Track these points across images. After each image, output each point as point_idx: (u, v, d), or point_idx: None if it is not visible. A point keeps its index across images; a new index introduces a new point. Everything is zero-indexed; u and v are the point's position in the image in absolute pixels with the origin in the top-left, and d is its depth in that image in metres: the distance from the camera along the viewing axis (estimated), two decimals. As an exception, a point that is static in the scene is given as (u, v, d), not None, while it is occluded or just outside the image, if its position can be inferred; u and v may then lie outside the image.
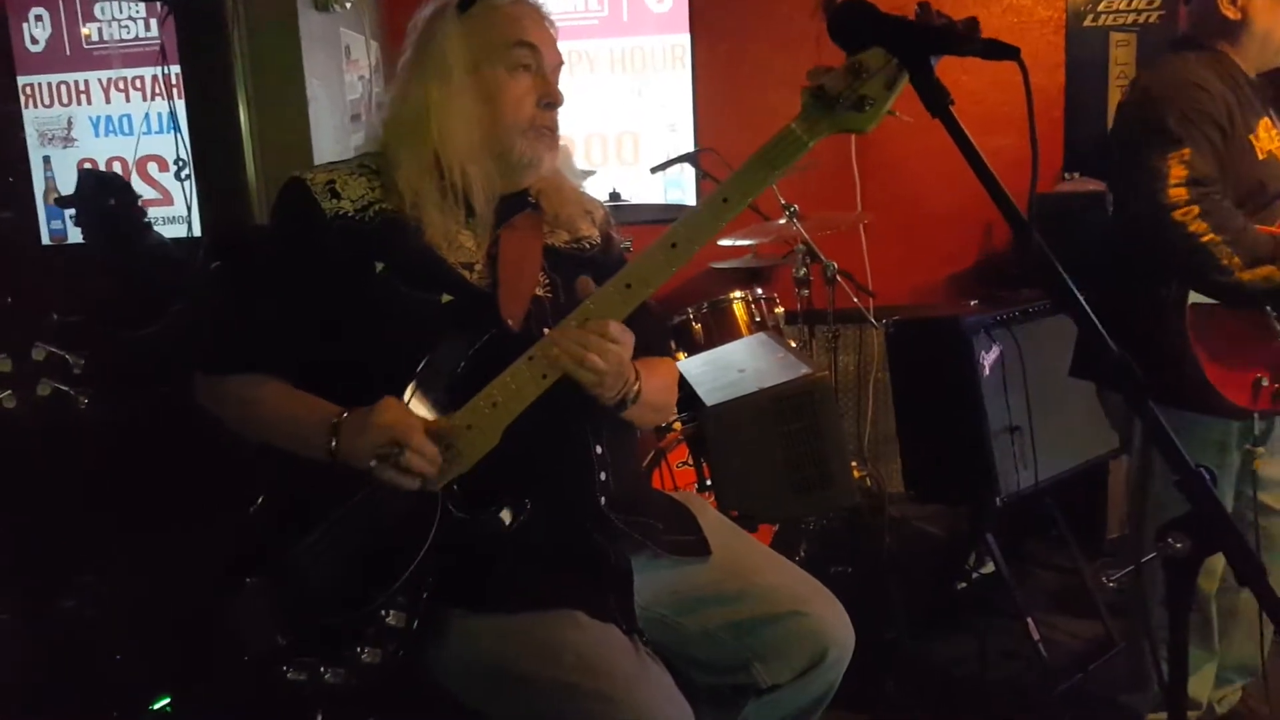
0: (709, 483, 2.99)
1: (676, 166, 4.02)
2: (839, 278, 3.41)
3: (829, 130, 1.38)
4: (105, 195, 3.02)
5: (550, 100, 1.69)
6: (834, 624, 1.69)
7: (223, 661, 1.68)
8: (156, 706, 2.25)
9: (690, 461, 3.17)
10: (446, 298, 1.62)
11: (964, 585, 3.26)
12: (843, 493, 2.51)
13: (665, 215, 3.98)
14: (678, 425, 3.12)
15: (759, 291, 3.54)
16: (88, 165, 4.55)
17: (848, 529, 3.26)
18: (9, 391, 1.75)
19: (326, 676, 1.56)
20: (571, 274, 1.69)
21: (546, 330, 1.60)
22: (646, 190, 4.48)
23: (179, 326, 2.37)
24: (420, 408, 1.56)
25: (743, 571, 1.73)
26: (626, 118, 4.60)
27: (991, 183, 1.09)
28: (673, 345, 3.33)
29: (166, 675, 2.27)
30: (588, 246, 1.80)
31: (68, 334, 1.79)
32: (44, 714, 2.12)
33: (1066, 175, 4.25)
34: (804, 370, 2.54)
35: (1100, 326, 1.08)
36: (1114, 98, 4.32)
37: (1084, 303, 1.08)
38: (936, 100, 1.14)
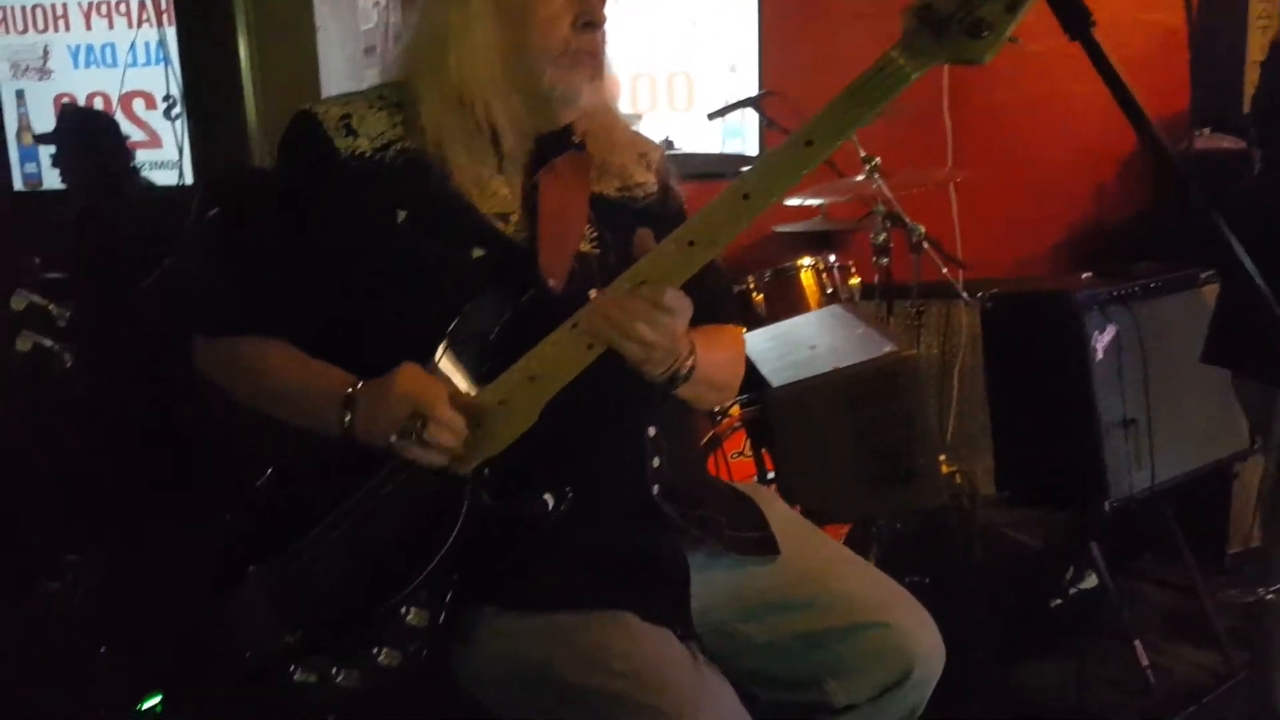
0: (770, 475, 2.99)
1: (737, 112, 3.99)
2: (926, 245, 3.38)
3: (937, 59, 1.36)
4: (91, 133, 3.05)
5: (589, 19, 1.65)
6: (921, 638, 1.68)
7: (221, 658, 1.70)
8: (146, 706, 2.29)
9: (749, 451, 3.17)
10: (478, 252, 1.62)
11: (1060, 602, 3.24)
12: (929, 491, 2.49)
13: (723, 168, 3.97)
14: (735, 409, 3.12)
15: (831, 259, 3.52)
16: (66, 101, 4.59)
17: (926, 534, 3.23)
18: None
19: (339, 679, 1.58)
20: (622, 227, 1.68)
21: (592, 293, 1.59)
22: (702, 139, 4.45)
23: (171, 282, 2.39)
24: (447, 381, 1.56)
25: (816, 575, 1.73)
26: (679, 55, 4.56)
27: (1143, 125, 1.06)
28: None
29: (158, 671, 2.30)
30: (641, 196, 1.79)
31: (52, 285, 1.80)
32: (21, 710, 2.16)
33: (1197, 132, 4.17)
34: (887, 347, 2.52)
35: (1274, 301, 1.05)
36: (1255, 42, 4.22)
37: (1256, 274, 1.05)
38: (1077, 20, 1.11)
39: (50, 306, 1.75)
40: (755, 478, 3.12)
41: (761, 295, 3.43)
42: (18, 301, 1.76)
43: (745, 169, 4.25)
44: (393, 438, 1.51)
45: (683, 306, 1.52)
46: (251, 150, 3.51)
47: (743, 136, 4.56)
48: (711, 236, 1.48)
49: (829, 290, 3.45)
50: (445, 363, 1.57)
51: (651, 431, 1.70)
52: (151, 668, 2.32)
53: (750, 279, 3.44)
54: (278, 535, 1.65)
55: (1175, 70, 4.14)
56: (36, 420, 2.26)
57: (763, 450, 3.08)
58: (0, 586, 2.13)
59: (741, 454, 3.22)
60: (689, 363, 1.60)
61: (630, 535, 1.65)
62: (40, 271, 2.01)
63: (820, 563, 1.76)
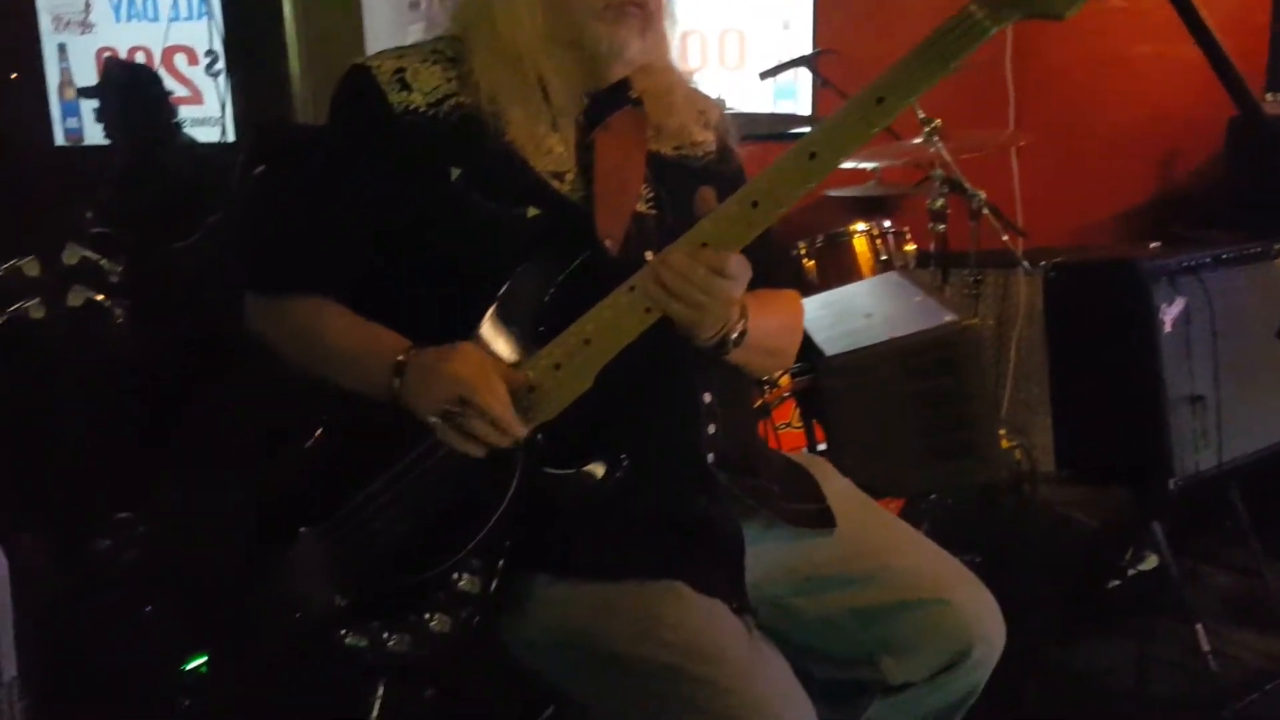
0: (821, 447, 2.98)
1: (790, 71, 3.95)
2: (985, 211, 3.34)
3: (1016, 13, 1.35)
4: (135, 86, 3.07)
5: None
6: (981, 617, 1.68)
7: (270, 620, 1.73)
8: (190, 666, 2.33)
9: (798, 421, 3.14)
10: (533, 212, 1.62)
11: (1118, 583, 3.21)
12: (987, 466, 2.50)
13: (775, 129, 3.93)
14: (785, 378, 3.06)
15: (885, 224, 3.48)
16: (108, 55, 4.62)
17: (980, 510, 3.22)
18: (36, 299, 1.77)
19: (390, 644, 1.60)
20: (680, 187, 1.68)
21: (649, 254, 1.59)
22: (752, 99, 4.42)
23: (217, 240, 2.40)
24: (497, 342, 1.57)
25: (873, 549, 1.73)
26: (730, 11, 4.52)
27: (1236, 85, 1.04)
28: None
29: (204, 631, 2.34)
30: (700, 155, 1.79)
31: (103, 239, 1.82)
32: (68, 667, 2.20)
33: (1269, 95, 4.09)
34: (947, 316, 2.51)
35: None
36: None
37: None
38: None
39: (102, 261, 1.75)
40: (804, 449, 3.08)
41: (813, 261, 3.41)
42: (70, 255, 1.76)
43: (808, 129, 4.24)
44: (433, 418, 1.52)
45: (743, 272, 1.51)
46: (294, 106, 3.52)
47: (795, 97, 4.51)
48: (776, 197, 1.46)
49: (883, 257, 3.42)
50: (492, 326, 1.57)
51: (707, 398, 1.70)
52: (198, 627, 2.35)
53: (801, 244, 3.42)
54: (329, 496, 1.67)
55: (1252, 35, 4.06)
56: (87, 376, 2.29)
57: (813, 421, 3.05)
58: (50, 544, 2.16)
59: (789, 425, 3.17)
60: (739, 327, 1.59)
61: (685, 504, 1.65)
62: (91, 226, 2.02)
63: (878, 537, 1.76)
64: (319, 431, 1.73)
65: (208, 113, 4.21)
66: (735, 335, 1.59)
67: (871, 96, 1.43)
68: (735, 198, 1.48)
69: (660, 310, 1.51)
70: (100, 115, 3.39)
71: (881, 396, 2.55)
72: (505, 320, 1.58)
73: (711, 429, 1.70)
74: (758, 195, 1.47)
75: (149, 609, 2.28)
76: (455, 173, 1.61)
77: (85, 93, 3.44)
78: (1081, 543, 3.53)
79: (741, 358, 1.65)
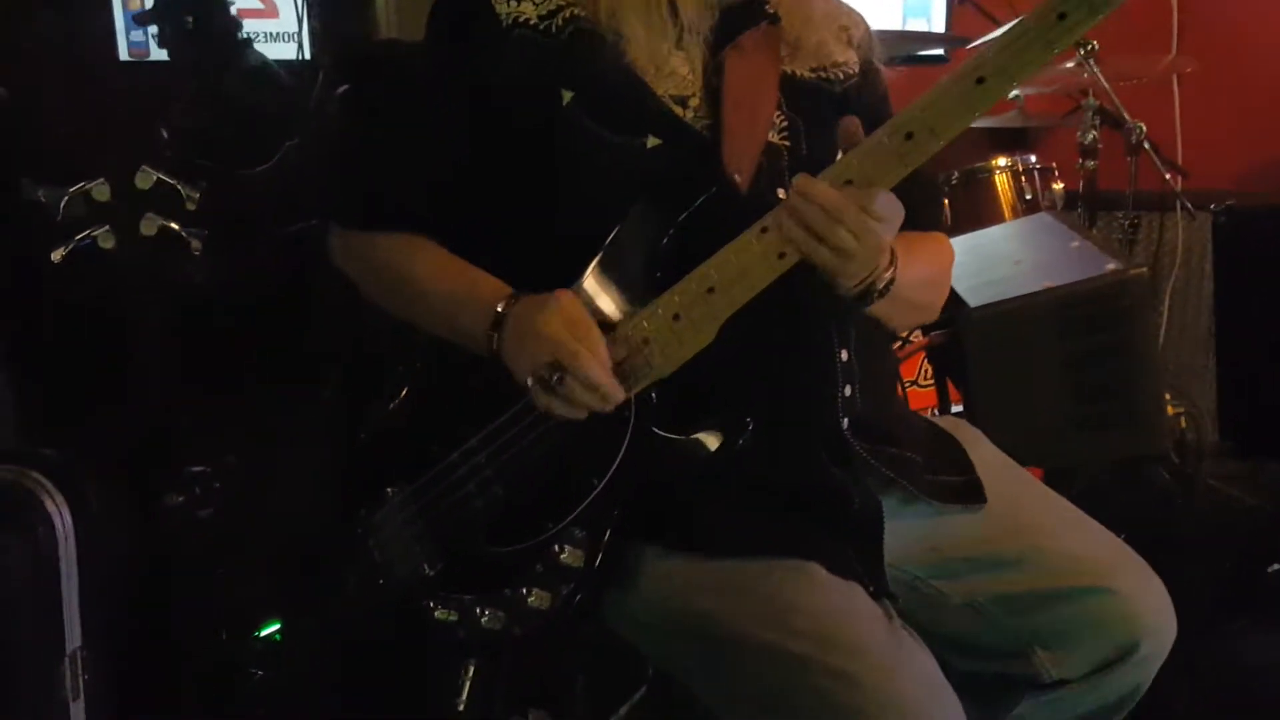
0: (956, 409, 2.93)
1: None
2: (1145, 147, 3.28)
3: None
4: (189, 10, 3.06)
5: None
6: (1151, 607, 1.64)
7: (352, 588, 1.73)
8: (264, 633, 2.35)
9: (927, 378, 3.11)
10: (653, 141, 1.59)
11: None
12: (1151, 436, 2.43)
13: (904, 50, 3.84)
14: (916, 331, 3.03)
15: (1031, 159, 3.42)
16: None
17: (1128, 484, 3.15)
18: (106, 228, 1.75)
19: (484, 620, 1.59)
20: (817, 114, 1.66)
21: (782, 192, 1.57)
22: (878, 16, 4.28)
23: (294, 166, 2.39)
24: (606, 289, 1.55)
25: (1028, 528, 1.69)
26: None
27: None
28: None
29: (281, 596, 2.35)
30: (840, 78, 1.74)
31: (177, 163, 1.79)
32: (136, 629, 2.23)
33: None
34: (1110, 264, 2.43)
35: None
36: None
37: None
38: None
39: (179, 186, 1.73)
40: (933, 410, 3.06)
41: (947, 201, 3.36)
42: (143, 179, 1.74)
43: (939, 50, 4.13)
44: (529, 380, 1.50)
45: (895, 214, 1.47)
46: (377, 20, 3.48)
47: (928, 16, 4.38)
48: (934, 128, 1.40)
49: (1027, 196, 3.37)
50: (600, 271, 1.55)
51: (844, 356, 1.66)
52: (273, 592, 2.37)
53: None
54: (420, 455, 1.66)
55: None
56: (161, 313, 2.29)
57: (946, 380, 3.01)
58: (118, 499, 2.18)
59: (915, 383, 3.15)
60: (887, 275, 1.55)
61: (817, 474, 1.62)
62: (167, 147, 2.01)
63: (1034, 514, 1.71)
64: (408, 387, 1.73)
65: (282, 27, 4.20)
66: (882, 284, 1.55)
67: (1052, 10, 1.34)
68: (886, 128, 1.43)
69: (798, 255, 1.47)
70: (161, 41, 3.38)
71: (1031, 354, 2.48)
72: (617, 265, 1.55)
73: (847, 391, 1.66)
74: (913, 126, 1.41)
75: (221, 571, 2.29)
76: (567, 96, 1.59)
77: (141, 20, 3.43)
78: (1241, 523, 3.45)
79: (884, 310, 1.62)
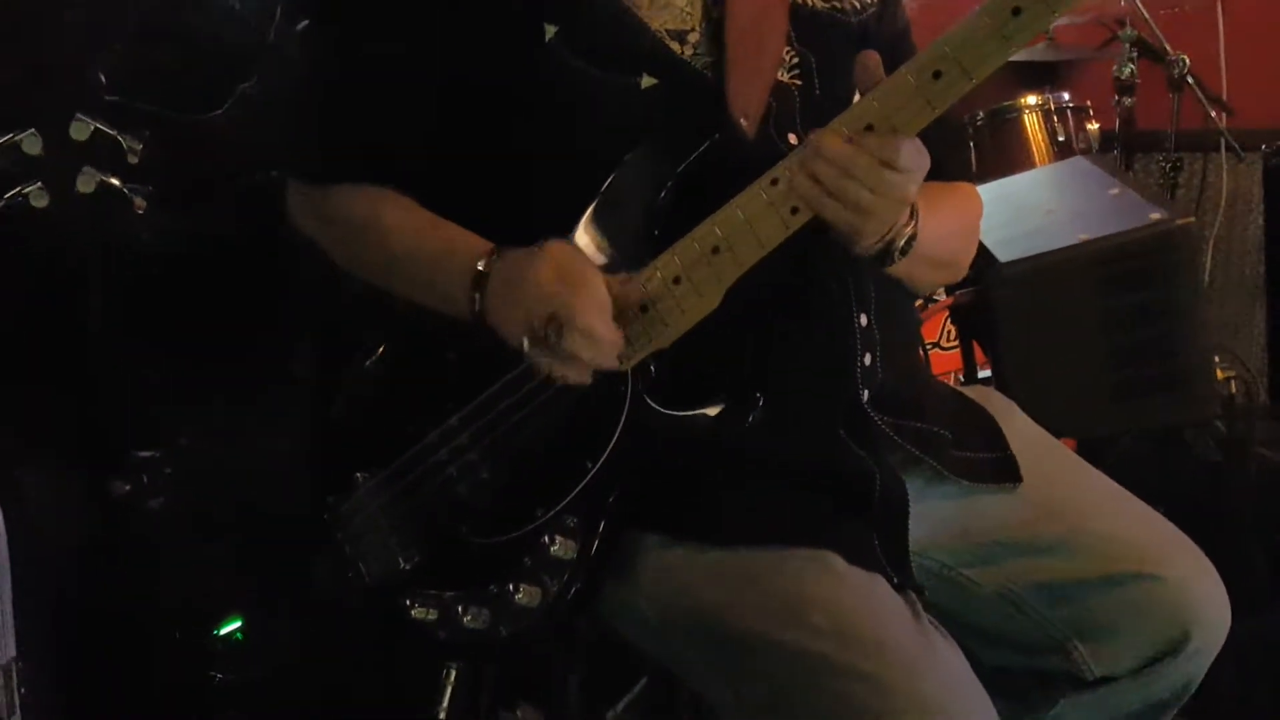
0: (984, 375, 2.93)
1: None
2: (1188, 81, 3.33)
3: None
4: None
5: None
6: (1203, 595, 1.64)
7: (320, 582, 1.73)
8: (224, 631, 2.34)
9: (950, 340, 3.11)
10: (648, 81, 1.57)
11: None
12: (1198, 401, 2.44)
13: None
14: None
15: (1063, 97, 3.45)
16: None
17: (1168, 455, 3.18)
18: (38, 185, 1.72)
19: (466, 619, 1.58)
20: (833, 49, 1.63)
21: (793, 137, 1.56)
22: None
23: (251, 111, 2.35)
24: (599, 248, 1.54)
25: (1068, 508, 1.68)
26: None
27: None
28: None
29: (240, 592, 2.34)
30: (857, 8, 1.73)
31: (118, 110, 1.75)
32: (81, 635, 2.22)
33: None
34: (1155, 214, 2.42)
35: None
36: None
37: None
38: None
39: (120, 137, 1.69)
40: (958, 376, 3.06)
41: (972, 144, 3.40)
42: (79, 129, 1.71)
43: None
44: (524, 341, 1.48)
45: (919, 163, 1.44)
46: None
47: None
48: (965, 66, 1.37)
49: (1059, 138, 3.40)
50: (593, 227, 1.54)
51: (863, 321, 1.65)
52: (233, 588, 2.36)
53: None
54: (392, 434, 1.66)
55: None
56: (102, 279, 2.26)
57: (972, 342, 3.01)
58: (57, 487, 2.16)
59: (938, 345, 3.18)
60: (908, 230, 1.53)
61: (834, 453, 1.61)
62: (105, 92, 1.96)
63: (1074, 494, 1.71)
64: (380, 350, 1.72)
65: (239, -48, 4.17)
66: (903, 241, 1.53)
67: None
68: (911, 67, 1.40)
69: (811, 211, 1.45)
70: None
71: (1066, 314, 2.49)
72: (610, 220, 1.54)
73: (867, 359, 1.65)
74: (940, 64, 1.38)
75: (175, 565, 2.27)
76: (550, 31, 1.56)
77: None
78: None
79: (905, 269, 1.60)
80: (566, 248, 1.51)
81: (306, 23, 2.36)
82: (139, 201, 1.74)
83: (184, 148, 2.18)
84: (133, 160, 1.74)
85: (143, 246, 1.91)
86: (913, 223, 1.53)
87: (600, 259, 1.53)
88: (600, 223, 1.54)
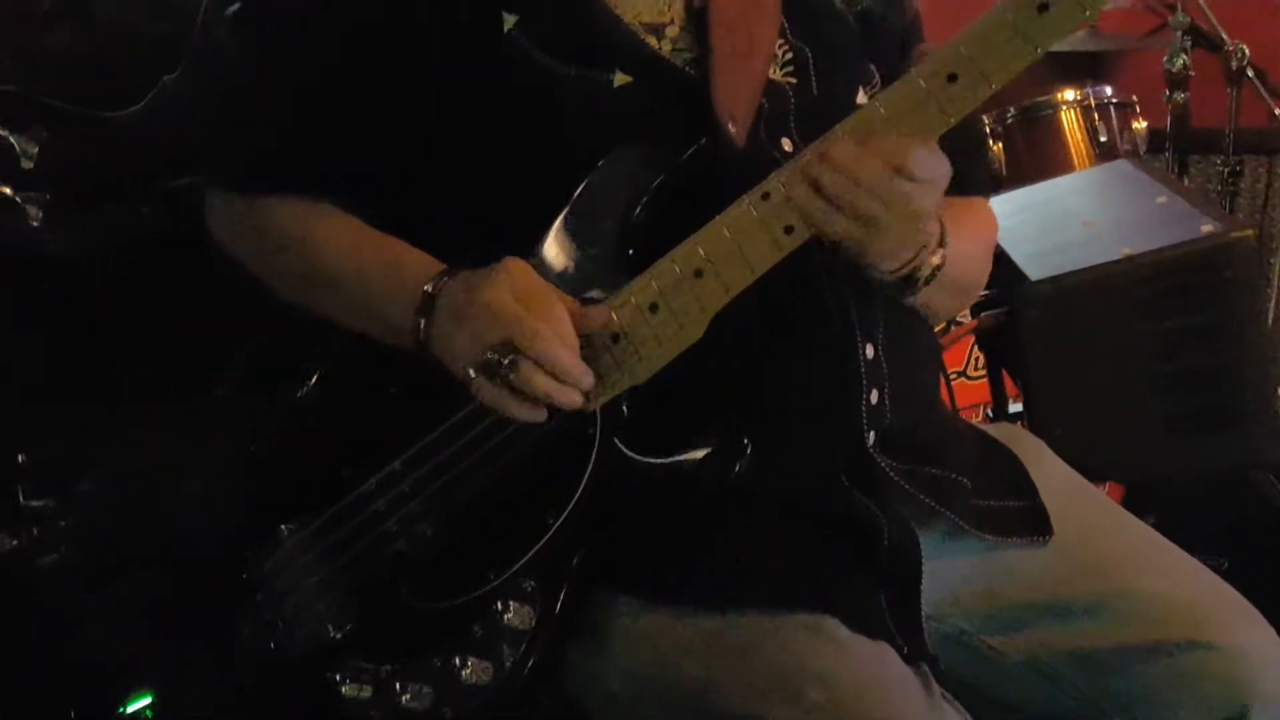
0: (1014, 409, 2.96)
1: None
2: (1248, 74, 3.33)
3: None
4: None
5: None
6: (1261, 665, 1.63)
7: (236, 653, 1.69)
8: (131, 709, 2.32)
9: (977, 370, 3.16)
10: (621, 79, 1.58)
11: None
12: (1261, 439, 2.44)
13: None
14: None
15: (1105, 92, 3.46)
16: None
17: (1225, 496, 3.17)
18: None
19: (405, 698, 1.57)
20: (833, 43, 1.66)
21: (788, 144, 1.57)
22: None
23: (175, 106, 2.33)
24: (566, 270, 1.54)
25: (1106, 566, 1.69)
26: None
27: None
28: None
29: (150, 664, 2.31)
30: None
31: (9, 102, 1.73)
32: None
33: None
34: (1207, 225, 2.43)
35: None
36: None
37: None
38: None
39: (11, 138, 1.68)
40: (986, 410, 3.09)
41: (1000, 145, 3.41)
42: (-43, 128, 1.70)
43: None
44: (471, 371, 1.47)
45: (939, 173, 1.45)
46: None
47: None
48: (984, 68, 1.39)
49: (1101, 138, 3.41)
50: (559, 246, 1.54)
51: (869, 352, 1.64)
52: (140, 658, 2.33)
53: (985, 120, 3.40)
54: (324, 479, 1.64)
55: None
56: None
57: (1002, 371, 3.04)
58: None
59: (964, 374, 3.20)
60: (936, 257, 1.56)
61: (836, 504, 1.61)
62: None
63: (1114, 549, 1.71)
64: (312, 380, 1.71)
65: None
66: (928, 269, 1.55)
67: None
68: (922, 70, 1.42)
69: (811, 229, 1.45)
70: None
71: (1107, 339, 2.50)
72: (579, 238, 1.54)
73: (874, 397, 1.64)
74: (957, 66, 1.40)
75: (72, 632, 2.24)
76: (510, 21, 1.58)
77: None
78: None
79: (926, 296, 1.62)
80: (526, 266, 1.50)
81: (238, 6, 2.35)
82: (33, 211, 1.73)
83: (91, 149, 2.17)
84: (26, 165, 1.73)
85: (37, 261, 1.89)
86: (941, 250, 1.56)
87: (567, 282, 1.52)
88: (567, 240, 1.54)
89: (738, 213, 1.47)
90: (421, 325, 1.51)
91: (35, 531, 2.21)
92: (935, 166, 1.44)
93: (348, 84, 1.63)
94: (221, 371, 2.11)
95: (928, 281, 1.56)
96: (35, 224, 1.74)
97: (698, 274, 1.48)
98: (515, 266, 1.49)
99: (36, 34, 2.44)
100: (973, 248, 1.73)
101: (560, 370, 1.45)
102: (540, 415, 1.47)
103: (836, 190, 1.42)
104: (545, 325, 1.45)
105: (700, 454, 1.51)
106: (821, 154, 1.43)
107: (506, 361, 1.43)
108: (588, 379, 1.47)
